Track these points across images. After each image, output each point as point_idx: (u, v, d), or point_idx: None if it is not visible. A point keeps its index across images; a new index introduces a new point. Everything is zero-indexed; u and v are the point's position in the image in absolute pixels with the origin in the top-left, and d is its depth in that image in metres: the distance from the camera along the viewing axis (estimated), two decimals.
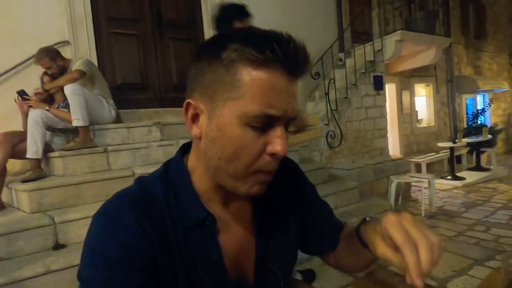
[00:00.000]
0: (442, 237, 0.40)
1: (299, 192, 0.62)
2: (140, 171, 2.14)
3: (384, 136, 4.13)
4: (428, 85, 6.10)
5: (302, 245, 0.64)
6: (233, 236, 0.52)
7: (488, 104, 6.87)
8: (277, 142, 0.43)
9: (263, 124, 0.42)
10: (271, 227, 0.56)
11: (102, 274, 0.41)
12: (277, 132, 0.43)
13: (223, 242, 0.50)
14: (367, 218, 0.53)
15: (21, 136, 2.11)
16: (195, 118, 0.46)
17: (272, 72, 0.41)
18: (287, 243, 0.59)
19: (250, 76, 0.41)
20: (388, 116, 4.29)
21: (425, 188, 3.44)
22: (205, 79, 0.44)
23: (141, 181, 0.50)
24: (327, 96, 3.41)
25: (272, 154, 0.43)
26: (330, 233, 0.64)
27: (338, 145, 3.51)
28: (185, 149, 0.54)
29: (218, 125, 0.43)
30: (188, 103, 0.46)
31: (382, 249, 0.40)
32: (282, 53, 0.40)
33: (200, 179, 0.50)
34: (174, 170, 0.51)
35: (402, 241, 0.37)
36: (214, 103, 0.43)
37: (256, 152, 0.43)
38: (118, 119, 2.68)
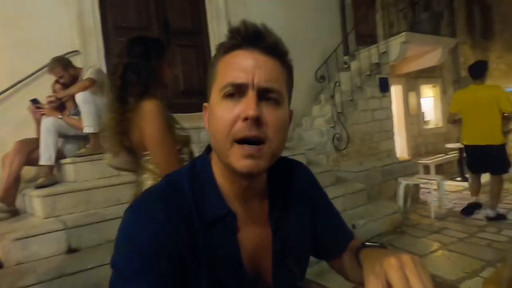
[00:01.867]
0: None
1: (312, 197, 0.65)
2: None
3: (391, 138, 4.11)
4: (434, 86, 6.05)
5: (311, 249, 0.66)
6: (252, 232, 0.55)
7: None
8: (246, 106, 0.46)
9: (235, 92, 0.47)
10: (286, 226, 0.58)
11: (133, 263, 0.44)
12: (248, 99, 0.47)
13: (242, 238, 0.52)
14: (366, 243, 0.55)
15: (35, 144, 2.17)
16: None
17: (237, 52, 0.49)
18: (301, 244, 0.61)
19: (222, 61, 0.50)
20: (394, 118, 4.27)
21: (434, 189, 3.40)
22: (207, 83, 0.54)
23: (169, 177, 0.54)
24: (332, 99, 3.42)
25: (243, 118, 0.46)
26: (339, 241, 0.66)
27: (345, 148, 3.51)
28: (211, 147, 0.57)
29: (211, 110, 0.51)
30: (204, 107, 0.55)
31: None
32: (242, 32, 0.48)
33: (219, 174, 0.53)
34: (199, 167, 0.55)
35: None
36: (210, 98, 0.52)
37: (231, 119, 0.47)
38: None
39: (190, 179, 0.52)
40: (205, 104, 0.54)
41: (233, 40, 0.48)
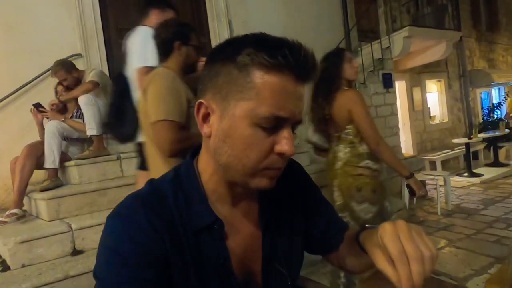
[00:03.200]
0: (435, 249, 0.40)
1: (304, 194, 0.63)
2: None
3: (396, 134, 4.06)
4: (439, 81, 5.97)
5: (305, 245, 0.64)
6: (241, 237, 0.53)
7: (504, 97, 6.66)
8: (285, 143, 0.45)
9: (272, 125, 0.44)
10: (277, 227, 0.57)
11: (115, 271, 0.43)
12: (285, 133, 0.45)
13: (230, 243, 0.51)
14: (366, 225, 0.54)
15: (43, 147, 2.19)
16: (206, 117, 0.48)
17: (283, 76, 0.43)
18: (294, 243, 0.59)
19: (262, 79, 0.43)
20: (399, 114, 4.22)
21: (441, 186, 3.36)
22: (218, 80, 0.46)
23: (152, 183, 0.52)
24: None
25: (280, 154, 0.45)
26: (334, 234, 0.65)
27: None
28: (195, 152, 0.56)
29: (229, 124, 0.45)
30: (200, 103, 0.48)
31: (381, 263, 0.40)
32: (293, 59, 0.43)
33: (209, 180, 0.51)
34: (184, 173, 0.53)
35: (396, 254, 0.38)
36: (227, 103, 0.45)
37: (264, 151, 0.45)
38: None
39: (174, 186, 0.50)
40: (203, 101, 0.48)
41: (283, 59, 0.42)
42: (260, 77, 0.43)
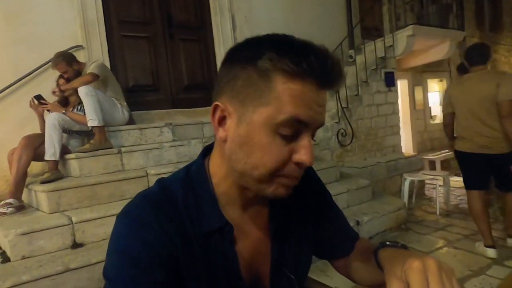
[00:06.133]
0: None
1: (314, 197, 0.62)
2: (153, 171, 2.18)
3: (397, 133, 4.06)
4: (441, 80, 5.95)
5: (314, 250, 0.64)
6: (250, 241, 0.53)
7: None
8: (304, 152, 0.43)
9: (292, 132, 0.43)
10: (287, 231, 0.56)
11: (125, 272, 0.43)
12: (304, 142, 0.44)
13: (239, 247, 0.51)
14: (387, 243, 0.52)
15: (41, 139, 2.17)
16: (222, 120, 0.46)
17: (306, 83, 0.42)
18: (302, 248, 0.59)
19: (284, 86, 0.41)
20: (400, 113, 4.21)
21: (440, 186, 3.36)
22: (236, 83, 0.44)
23: (162, 182, 0.51)
24: (337, 94, 3.38)
25: (298, 163, 0.44)
26: (343, 241, 0.64)
27: (349, 143, 3.48)
28: (207, 151, 0.54)
29: (247, 130, 0.43)
30: (216, 105, 0.46)
31: None
32: (318, 67, 0.41)
33: (220, 182, 0.50)
34: (195, 173, 0.52)
35: None
36: (245, 108, 0.43)
37: (282, 160, 0.43)
38: (130, 121, 2.74)
39: (184, 187, 0.50)
40: (219, 104, 0.45)
41: (307, 67, 0.40)
42: (281, 84, 0.41)
